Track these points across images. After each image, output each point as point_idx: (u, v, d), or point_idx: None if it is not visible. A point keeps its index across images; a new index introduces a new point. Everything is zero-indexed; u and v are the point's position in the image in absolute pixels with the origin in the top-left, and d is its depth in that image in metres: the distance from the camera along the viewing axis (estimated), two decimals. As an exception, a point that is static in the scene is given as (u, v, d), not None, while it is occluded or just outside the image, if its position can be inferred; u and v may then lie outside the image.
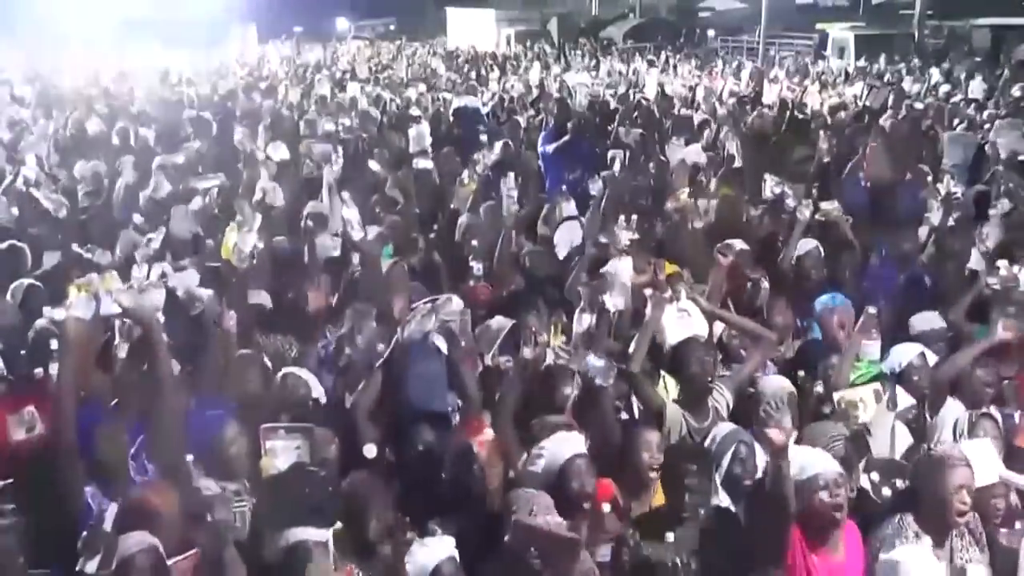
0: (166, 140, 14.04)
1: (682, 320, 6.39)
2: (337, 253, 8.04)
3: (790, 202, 8.49)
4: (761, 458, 5.16)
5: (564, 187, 10.55)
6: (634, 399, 6.02)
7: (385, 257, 7.91)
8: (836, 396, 5.72)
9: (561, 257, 8.39)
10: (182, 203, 9.43)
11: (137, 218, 9.31)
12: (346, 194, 7.94)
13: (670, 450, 5.33)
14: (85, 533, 4.03)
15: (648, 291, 6.55)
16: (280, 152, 11.51)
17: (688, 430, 5.83)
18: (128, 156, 11.89)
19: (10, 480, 4.62)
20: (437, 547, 4.38)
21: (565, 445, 5.06)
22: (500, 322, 6.55)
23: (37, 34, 32.29)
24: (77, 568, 3.91)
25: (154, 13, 35.10)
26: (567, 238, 8.56)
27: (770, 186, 9.02)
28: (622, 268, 6.87)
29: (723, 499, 5.10)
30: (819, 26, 36.71)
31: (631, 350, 6.02)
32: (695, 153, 11.63)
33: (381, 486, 4.89)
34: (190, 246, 8.48)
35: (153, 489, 4.62)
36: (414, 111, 16.84)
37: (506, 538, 4.33)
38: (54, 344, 5.36)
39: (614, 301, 6.28)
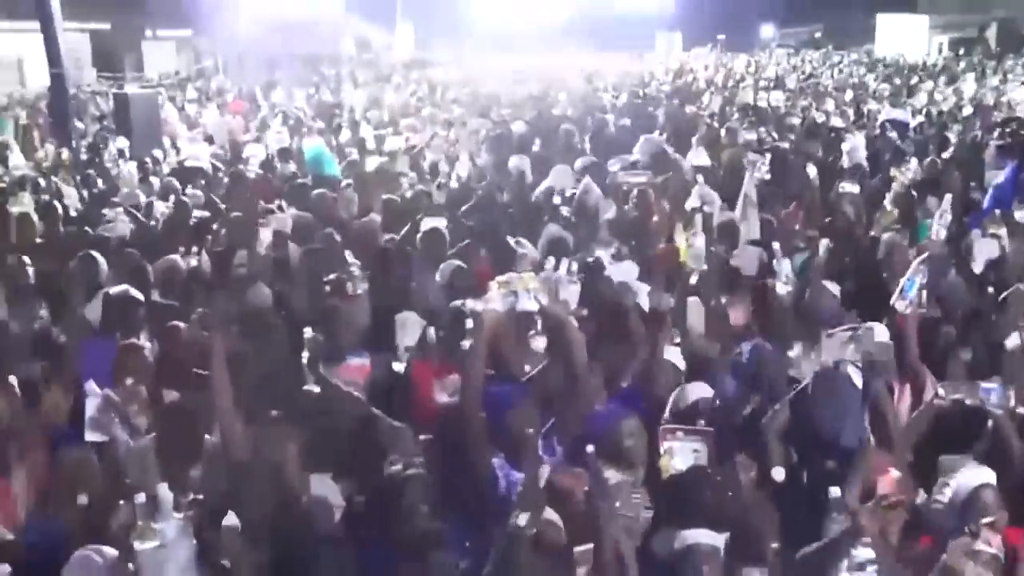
0: (590, 143, 14.47)
1: None
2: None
3: None
4: None
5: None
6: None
7: (801, 271, 7.78)
8: None
9: (977, 271, 7.89)
10: (607, 199, 9.68)
11: (565, 211, 9.64)
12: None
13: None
14: (522, 489, 4.29)
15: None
16: (701, 158, 11.54)
17: None
18: (562, 166, 12.26)
19: (429, 437, 5.21)
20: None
21: (975, 475, 4.81)
22: None
23: (471, 37, 34.35)
24: (511, 521, 4.11)
25: (582, 19, 36.29)
26: (984, 254, 8.03)
27: None
28: None
29: None
30: None
31: None
32: None
33: (771, 508, 4.82)
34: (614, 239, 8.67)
35: (562, 472, 4.82)
36: (836, 122, 16.44)
37: None
38: (468, 324, 5.77)
39: None
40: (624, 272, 6.53)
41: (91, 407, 4.93)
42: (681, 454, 5.04)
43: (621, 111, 18.95)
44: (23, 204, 11.20)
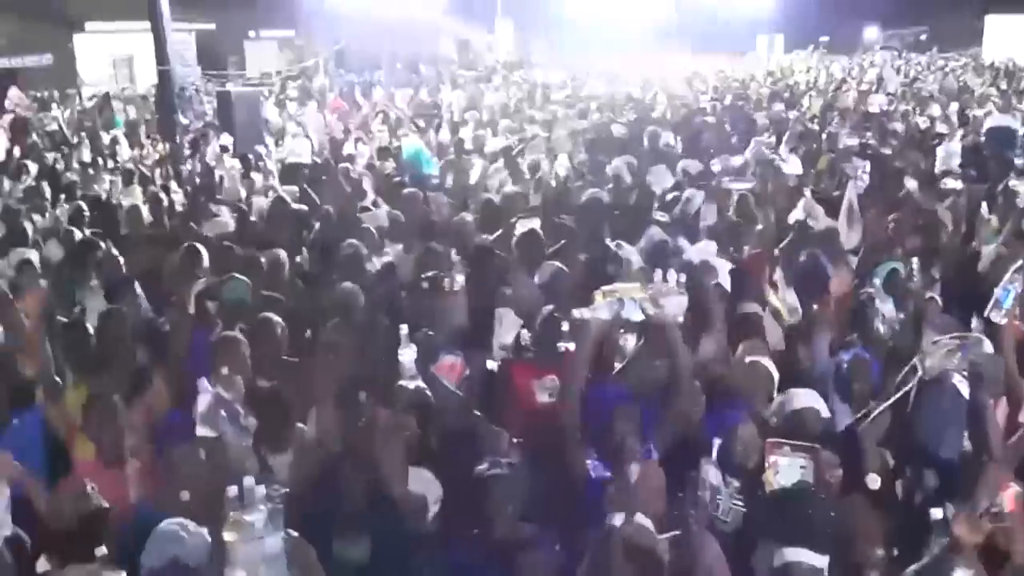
0: (688, 146, 14.35)
1: None
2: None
3: None
4: None
5: None
6: None
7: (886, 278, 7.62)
8: None
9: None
10: (712, 204, 9.61)
11: (661, 216, 9.58)
12: None
13: None
14: (611, 487, 4.32)
15: None
16: (793, 166, 11.37)
17: None
18: (660, 165, 12.17)
19: (521, 439, 5.31)
20: None
21: None
22: None
23: (571, 38, 34.33)
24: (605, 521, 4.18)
25: (683, 20, 36.04)
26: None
27: None
28: None
29: None
30: None
31: None
32: None
33: (875, 518, 4.72)
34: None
35: (648, 470, 4.80)
36: (942, 128, 16.08)
37: None
38: (564, 327, 5.82)
39: None
40: (703, 251, 6.48)
41: (202, 403, 5.04)
42: (786, 470, 4.92)
43: (721, 114, 18.79)
44: (133, 196, 11.51)
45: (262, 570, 3.63)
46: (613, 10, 35.99)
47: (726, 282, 6.72)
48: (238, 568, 3.61)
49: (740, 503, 5.01)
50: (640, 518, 4.32)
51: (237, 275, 7.36)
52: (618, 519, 4.13)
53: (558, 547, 4.65)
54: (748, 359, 6.12)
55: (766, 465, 4.96)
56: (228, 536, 3.63)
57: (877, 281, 7.45)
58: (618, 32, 34.09)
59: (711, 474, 4.88)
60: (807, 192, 9.77)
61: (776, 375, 6.07)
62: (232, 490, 3.70)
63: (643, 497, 4.50)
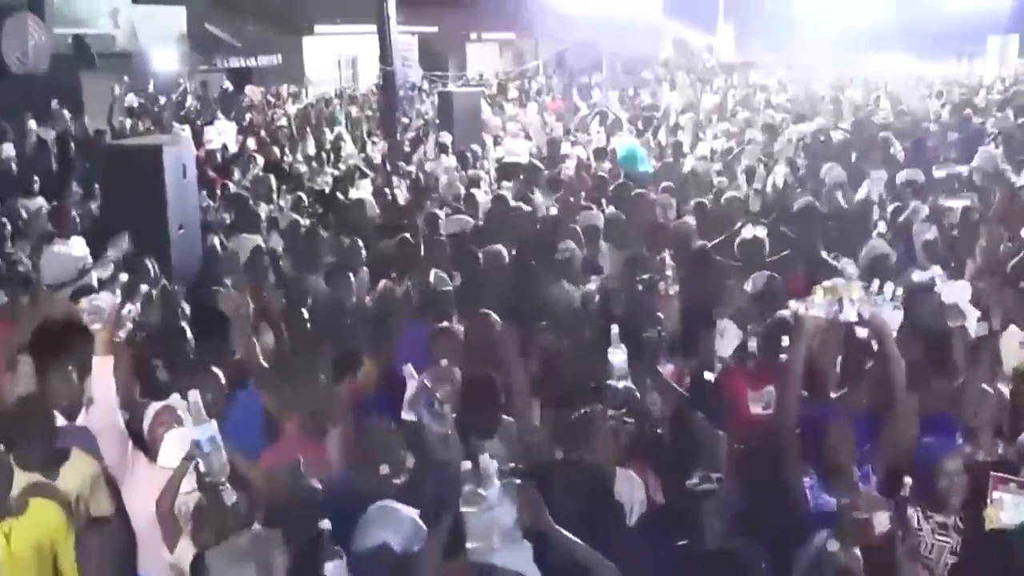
0: (911, 154, 13.85)
1: None
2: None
3: None
4: None
5: None
6: None
7: None
8: None
9: None
10: (927, 221, 9.27)
11: (882, 227, 9.31)
12: None
13: None
14: (837, 514, 4.29)
15: None
16: (1031, 176, 10.82)
17: None
18: (880, 171, 11.77)
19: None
20: None
21: None
22: None
23: (792, 39, 33.62)
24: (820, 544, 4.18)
25: (908, 20, 34.75)
26: None
27: None
28: None
29: None
30: None
31: None
32: None
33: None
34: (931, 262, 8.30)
35: (872, 502, 4.67)
36: None
37: None
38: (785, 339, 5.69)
39: None
40: (952, 291, 6.24)
41: (410, 389, 5.23)
42: (1012, 508, 4.64)
43: (946, 121, 18.07)
44: (361, 190, 11.91)
45: (496, 540, 3.78)
46: (837, 12, 35.07)
47: (972, 326, 6.41)
48: (473, 538, 3.77)
49: (945, 538, 4.79)
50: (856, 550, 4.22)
51: (443, 269, 7.57)
52: (833, 545, 4.05)
53: (765, 564, 4.59)
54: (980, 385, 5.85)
55: (989, 500, 4.71)
56: (465, 508, 3.79)
57: None
58: (841, 34, 33.17)
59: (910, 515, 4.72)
60: None
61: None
62: (466, 465, 3.86)
63: (861, 526, 4.41)
